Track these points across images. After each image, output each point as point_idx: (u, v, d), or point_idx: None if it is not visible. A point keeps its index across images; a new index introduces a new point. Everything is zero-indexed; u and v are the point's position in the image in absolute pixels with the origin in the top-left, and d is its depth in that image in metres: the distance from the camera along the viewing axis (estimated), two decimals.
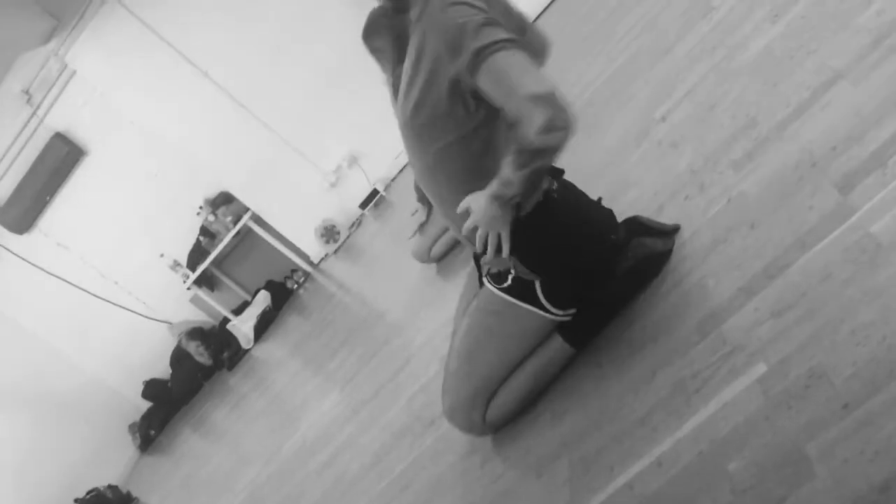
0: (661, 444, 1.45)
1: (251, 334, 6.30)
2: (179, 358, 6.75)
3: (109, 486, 5.79)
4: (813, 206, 1.57)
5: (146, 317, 6.80)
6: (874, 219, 1.41)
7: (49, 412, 6.44)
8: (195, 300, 6.88)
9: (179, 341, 6.69)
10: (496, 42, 1.63)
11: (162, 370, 6.89)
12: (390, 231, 5.29)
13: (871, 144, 1.57)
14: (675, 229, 1.96)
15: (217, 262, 6.69)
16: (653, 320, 1.79)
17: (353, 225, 6.36)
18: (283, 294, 6.60)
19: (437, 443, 2.25)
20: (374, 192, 6.22)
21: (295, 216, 6.38)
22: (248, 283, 6.95)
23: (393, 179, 6.28)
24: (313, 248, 6.44)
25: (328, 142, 6.17)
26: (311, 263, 6.53)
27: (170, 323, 6.84)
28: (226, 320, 6.67)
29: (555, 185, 1.85)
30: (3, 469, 5.94)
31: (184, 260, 6.57)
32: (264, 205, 6.38)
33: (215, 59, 5.89)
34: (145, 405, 6.91)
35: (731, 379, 1.41)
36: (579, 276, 1.86)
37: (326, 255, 6.43)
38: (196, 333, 6.63)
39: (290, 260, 6.48)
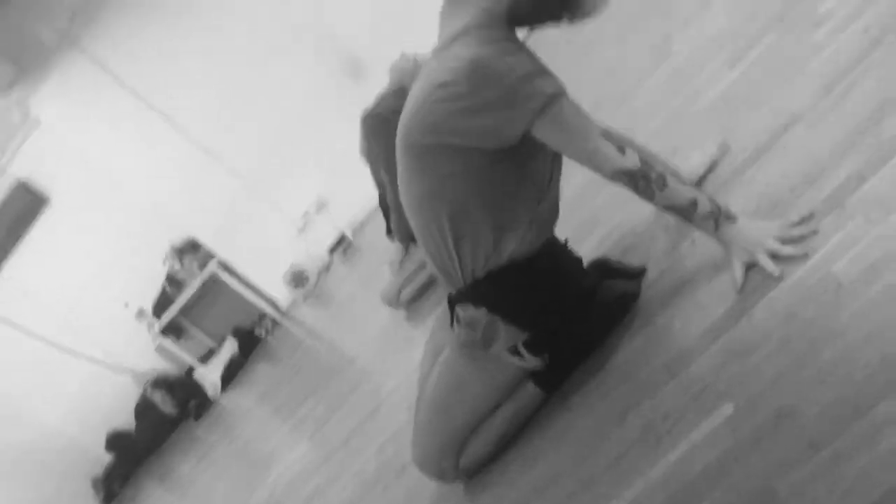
0: (632, 487, 1.44)
1: (218, 383, 6.21)
2: (144, 408, 6.62)
3: None
4: None
5: (110, 366, 6.68)
6: (835, 258, 1.43)
7: (7, 466, 6.25)
8: (161, 349, 6.77)
9: (144, 391, 6.57)
10: (556, 94, 1.63)
11: (126, 421, 6.74)
12: (359, 275, 5.27)
13: (828, 186, 1.61)
14: (642, 271, 1.98)
15: (183, 310, 6.60)
16: (622, 362, 1.79)
17: (321, 270, 6.33)
18: (250, 341, 6.53)
19: (408, 491, 2.22)
20: (343, 237, 6.22)
21: (263, 262, 6.35)
22: (216, 330, 6.86)
23: (361, 224, 6.28)
24: (282, 294, 6.40)
25: (295, 187, 6.18)
26: (279, 310, 6.47)
27: (134, 372, 6.71)
28: (192, 369, 6.57)
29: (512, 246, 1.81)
30: None
31: (149, 308, 6.48)
32: (232, 251, 6.35)
33: (180, 104, 5.90)
34: (109, 458, 6.74)
35: (699, 420, 1.41)
36: (554, 325, 1.86)
37: (295, 300, 6.39)
38: (161, 383, 6.51)
39: (258, 307, 6.42)
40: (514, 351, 1.85)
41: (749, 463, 1.24)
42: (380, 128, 3.42)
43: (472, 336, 1.85)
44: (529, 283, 1.81)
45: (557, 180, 1.90)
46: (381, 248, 3.87)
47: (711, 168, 2.09)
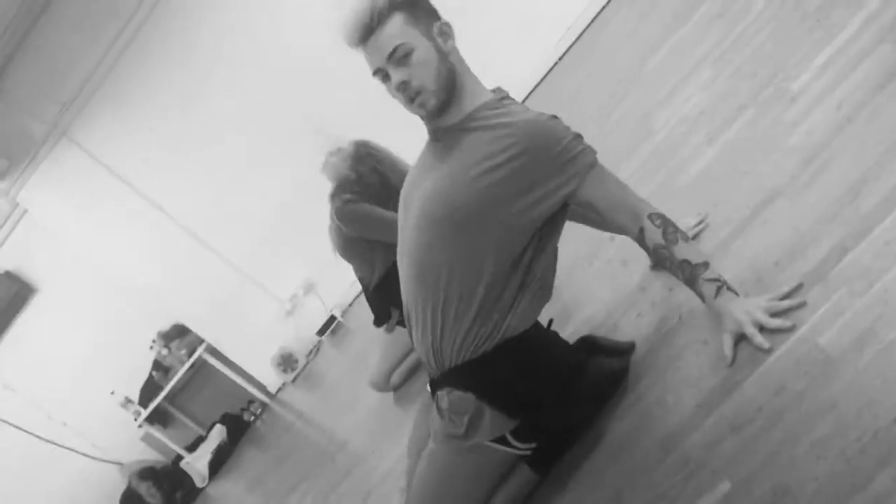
0: None
1: (206, 471, 6.07)
2: (130, 500, 6.43)
3: None
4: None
5: (95, 458, 6.53)
6: (821, 330, 1.44)
7: None
8: (147, 438, 6.64)
9: (130, 483, 6.40)
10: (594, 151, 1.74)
11: None
12: (348, 358, 5.23)
13: (811, 259, 1.63)
14: (631, 347, 1.98)
15: (170, 397, 6.50)
16: (615, 440, 1.77)
17: (310, 353, 6.28)
18: (239, 427, 6.41)
19: None
20: (332, 319, 6.18)
21: (251, 346, 6.28)
22: (203, 417, 6.74)
23: (350, 305, 6.26)
24: (270, 377, 6.32)
25: (283, 270, 6.17)
26: (268, 394, 6.39)
27: (120, 464, 6.56)
28: (179, 458, 6.43)
29: (513, 322, 1.80)
30: None
31: (135, 396, 6.38)
32: (219, 335, 6.29)
33: (167, 191, 5.94)
34: None
35: (696, 498, 1.39)
36: (544, 410, 1.83)
37: (284, 384, 6.31)
38: (147, 473, 6.35)
39: (246, 391, 6.34)
40: (503, 441, 1.81)
41: None
42: (350, 216, 3.46)
43: (456, 429, 1.81)
44: (521, 362, 1.79)
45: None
46: (372, 330, 3.85)
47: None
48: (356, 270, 3.73)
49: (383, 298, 3.61)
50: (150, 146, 5.83)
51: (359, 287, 5.99)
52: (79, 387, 6.42)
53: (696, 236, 2.10)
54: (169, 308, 6.33)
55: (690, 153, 2.58)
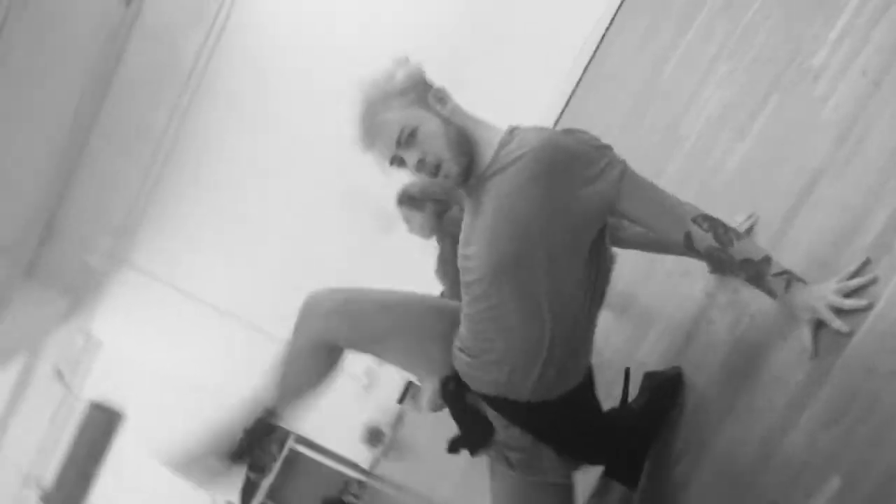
0: None
1: None
2: None
3: None
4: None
5: None
6: None
7: None
8: None
9: None
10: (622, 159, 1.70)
11: None
12: (432, 418, 5.22)
13: (870, 232, 1.59)
14: (678, 372, 1.98)
15: (270, 494, 6.56)
16: (715, 454, 1.74)
17: (395, 422, 6.29)
18: None
19: None
20: (409, 384, 6.19)
21: (336, 427, 6.32)
22: None
23: None
24: (361, 454, 6.33)
25: None
26: (363, 471, 6.40)
27: None
28: None
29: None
30: None
31: (236, 500, 6.45)
32: (305, 424, 6.34)
33: (232, 294, 6.08)
34: None
35: (807, 500, 1.35)
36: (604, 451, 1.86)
37: (376, 458, 6.32)
38: None
39: (341, 472, 6.36)
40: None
41: None
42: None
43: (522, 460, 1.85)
44: (584, 408, 1.82)
45: None
46: None
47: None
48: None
49: None
50: (206, 253, 6.00)
51: None
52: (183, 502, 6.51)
53: (747, 232, 2.07)
54: None
55: (724, 151, 2.55)
